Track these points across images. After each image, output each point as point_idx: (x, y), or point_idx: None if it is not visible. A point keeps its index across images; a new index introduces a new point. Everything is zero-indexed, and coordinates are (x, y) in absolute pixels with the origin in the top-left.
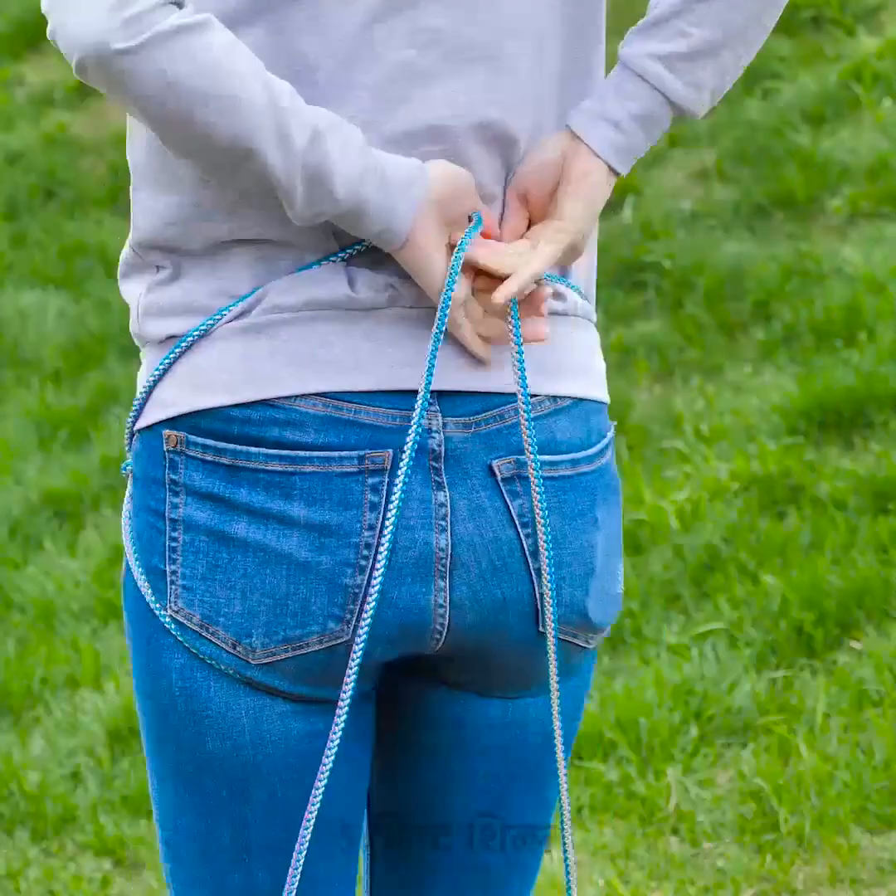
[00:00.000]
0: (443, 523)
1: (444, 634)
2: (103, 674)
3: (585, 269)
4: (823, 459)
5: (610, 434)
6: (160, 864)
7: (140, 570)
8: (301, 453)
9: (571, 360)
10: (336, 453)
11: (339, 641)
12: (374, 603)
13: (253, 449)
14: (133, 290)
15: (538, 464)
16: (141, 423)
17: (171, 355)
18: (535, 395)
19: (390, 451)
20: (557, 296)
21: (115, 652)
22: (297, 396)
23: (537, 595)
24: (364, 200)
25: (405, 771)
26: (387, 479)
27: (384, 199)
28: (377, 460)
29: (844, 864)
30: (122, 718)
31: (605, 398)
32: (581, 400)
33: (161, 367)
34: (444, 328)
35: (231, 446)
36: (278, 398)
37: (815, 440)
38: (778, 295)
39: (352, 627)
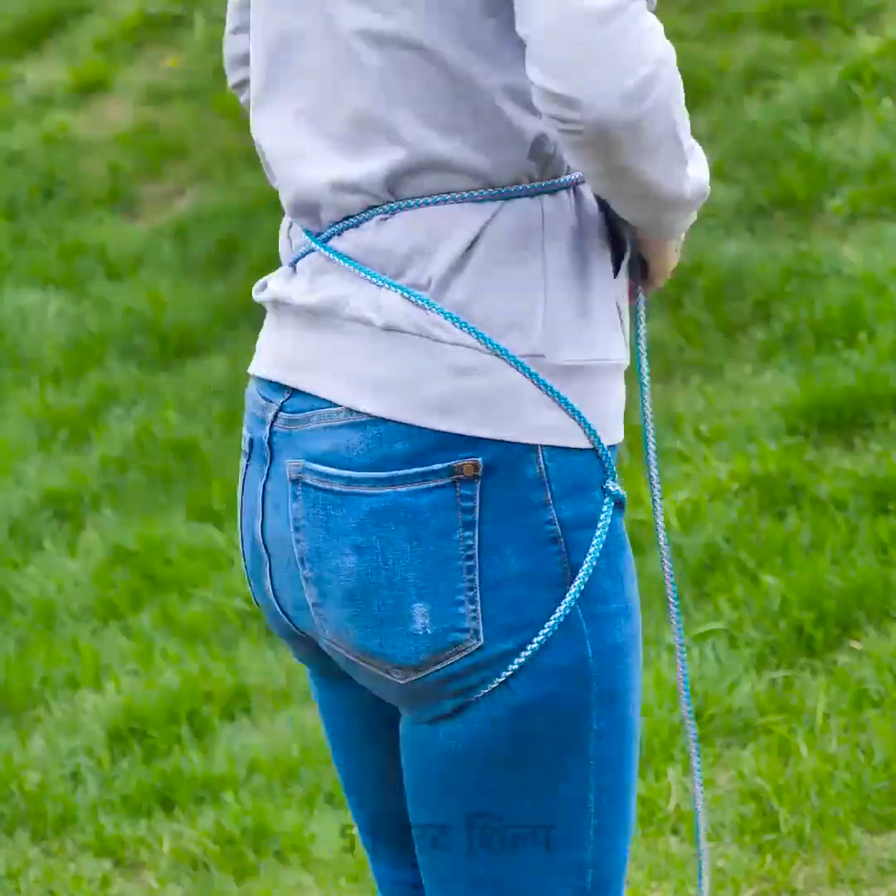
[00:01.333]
0: (262, 513)
1: (292, 623)
2: (103, 674)
3: (464, 288)
4: (823, 459)
5: (441, 466)
6: (159, 864)
7: None
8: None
9: (378, 376)
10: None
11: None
12: None
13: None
14: None
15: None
16: None
17: None
18: (336, 405)
19: (249, 436)
20: (371, 305)
21: (115, 652)
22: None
23: (310, 603)
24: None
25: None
26: (245, 463)
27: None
28: (246, 444)
29: (844, 864)
30: (121, 718)
31: (442, 427)
32: (383, 420)
33: None
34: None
35: None
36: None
37: (815, 440)
38: (778, 295)
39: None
